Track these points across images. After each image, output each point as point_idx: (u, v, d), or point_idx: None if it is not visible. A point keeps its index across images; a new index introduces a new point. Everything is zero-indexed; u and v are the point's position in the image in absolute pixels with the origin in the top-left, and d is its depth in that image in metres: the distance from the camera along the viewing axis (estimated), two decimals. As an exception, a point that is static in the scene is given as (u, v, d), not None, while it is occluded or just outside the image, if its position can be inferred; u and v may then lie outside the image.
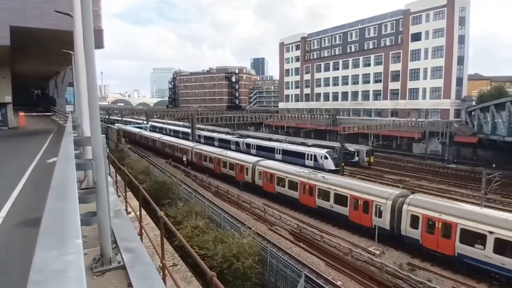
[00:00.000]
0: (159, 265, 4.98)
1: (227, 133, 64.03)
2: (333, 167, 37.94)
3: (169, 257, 7.44)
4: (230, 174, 37.26)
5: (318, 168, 36.20)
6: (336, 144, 45.01)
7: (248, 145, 51.55)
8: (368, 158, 45.88)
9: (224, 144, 55.42)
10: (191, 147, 46.47)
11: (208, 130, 66.14)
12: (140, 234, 6.28)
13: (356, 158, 45.29)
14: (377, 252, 20.28)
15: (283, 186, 29.55)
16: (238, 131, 67.05)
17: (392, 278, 17.35)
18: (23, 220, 6.45)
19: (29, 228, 5.77)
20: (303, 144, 49.62)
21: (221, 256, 15.21)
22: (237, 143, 53.74)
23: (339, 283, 16.73)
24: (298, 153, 42.65)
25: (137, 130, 68.99)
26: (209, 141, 59.20)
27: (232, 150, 47.46)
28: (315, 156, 40.25)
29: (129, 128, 70.98)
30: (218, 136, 60.34)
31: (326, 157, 39.03)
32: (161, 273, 4.75)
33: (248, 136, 59.07)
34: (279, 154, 44.60)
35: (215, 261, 15.03)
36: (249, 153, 46.33)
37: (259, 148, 48.85)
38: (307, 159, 40.69)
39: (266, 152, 46.05)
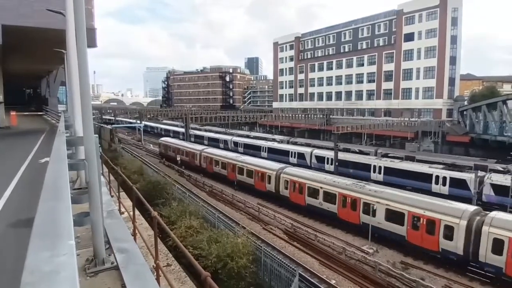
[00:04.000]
0: (153, 266, 4.97)
1: (364, 154, 39.82)
2: None
3: (163, 258, 7.43)
4: (247, 182, 33.20)
5: None
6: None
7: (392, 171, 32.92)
8: None
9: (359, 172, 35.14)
10: (200, 150, 42.01)
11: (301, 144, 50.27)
12: (134, 235, 6.25)
13: None
14: (371, 251, 20.42)
15: (317, 197, 25.71)
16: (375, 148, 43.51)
17: (386, 276, 17.48)
18: (15, 220, 6.38)
19: (21, 229, 5.71)
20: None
21: (215, 256, 15.23)
22: (378, 168, 34.27)
23: (333, 282, 16.82)
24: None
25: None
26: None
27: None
28: None
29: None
30: (327, 153, 40.22)
31: None
32: (155, 274, 4.73)
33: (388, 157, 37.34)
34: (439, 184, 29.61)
35: (209, 261, 15.05)
36: (387, 184, 28.40)
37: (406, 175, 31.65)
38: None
39: (415, 182, 30.71)
